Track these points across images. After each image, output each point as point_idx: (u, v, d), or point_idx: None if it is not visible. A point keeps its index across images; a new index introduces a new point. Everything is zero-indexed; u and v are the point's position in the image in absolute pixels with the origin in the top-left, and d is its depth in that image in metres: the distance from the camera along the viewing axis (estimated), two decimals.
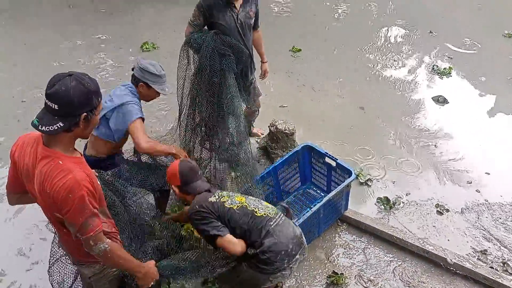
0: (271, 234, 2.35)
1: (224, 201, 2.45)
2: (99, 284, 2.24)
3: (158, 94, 2.97)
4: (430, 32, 6.44)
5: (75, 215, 1.76)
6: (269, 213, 2.45)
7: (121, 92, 2.82)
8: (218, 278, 2.86)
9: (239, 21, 3.33)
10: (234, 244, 2.34)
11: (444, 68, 5.65)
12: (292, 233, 2.43)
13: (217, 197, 2.48)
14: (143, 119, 2.82)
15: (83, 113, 1.74)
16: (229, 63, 3.10)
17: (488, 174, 4.11)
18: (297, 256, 2.43)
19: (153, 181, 2.89)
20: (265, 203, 2.58)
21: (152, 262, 2.21)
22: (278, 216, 2.48)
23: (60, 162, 1.75)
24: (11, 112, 4.74)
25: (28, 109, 4.72)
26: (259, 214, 2.40)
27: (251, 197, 2.61)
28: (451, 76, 5.58)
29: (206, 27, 3.33)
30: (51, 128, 1.69)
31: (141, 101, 2.96)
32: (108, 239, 1.90)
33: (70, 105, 1.69)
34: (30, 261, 3.25)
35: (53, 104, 1.68)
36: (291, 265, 2.41)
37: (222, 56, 3.08)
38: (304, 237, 2.53)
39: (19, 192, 1.99)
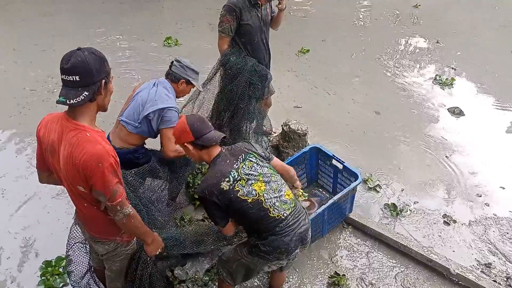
0: (277, 233, 2.36)
1: (239, 190, 2.27)
2: (110, 262, 2.33)
3: (190, 90, 3.14)
4: (437, 42, 6.45)
5: (105, 183, 1.85)
6: (283, 214, 2.34)
7: (164, 94, 2.87)
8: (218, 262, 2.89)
9: (262, 20, 3.47)
10: (230, 231, 2.49)
11: (447, 79, 5.76)
12: (297, 233, 2.41)
13: (231, 182, 2.27)
14: None
15: (102, 79, 1.83)
16: (256, 91, 3.49)
17: (504, 188, 4.09)
18: (297, 250, 2.45)
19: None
20: (285, 196, 2.39)
21: (156, 234, 2.33)
22: (291, 215, 2.38)
23: (88, 134, 1.83)
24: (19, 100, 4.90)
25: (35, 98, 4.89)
26: (272, 215, 2.32)
27: (273, 184, 2.37)
28: (453, 87, 5.65)
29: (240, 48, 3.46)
30: (79, 99, 1.76)
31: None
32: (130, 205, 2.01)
33: (89, 73, 1.77)
34: None
35: (74, 77, 1.75)
36: (289, 257, 2.45)
37: (251, 85, 3.45)
38: (309, 232, 2.52)
39: (48, 170, 2.06)
